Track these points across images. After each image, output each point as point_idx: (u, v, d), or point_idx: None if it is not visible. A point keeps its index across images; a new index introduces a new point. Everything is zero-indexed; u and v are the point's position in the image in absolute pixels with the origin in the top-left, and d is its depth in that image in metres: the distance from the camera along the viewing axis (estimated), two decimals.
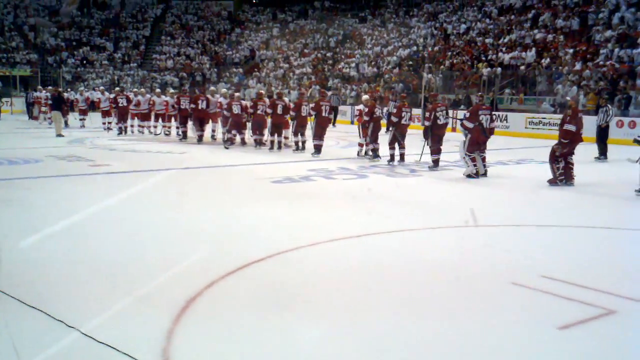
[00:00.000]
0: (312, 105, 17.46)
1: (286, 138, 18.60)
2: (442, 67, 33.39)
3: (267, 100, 19.15)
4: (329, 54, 43.50)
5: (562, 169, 12.23)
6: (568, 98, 22.99)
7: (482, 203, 10.62)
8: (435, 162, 14.58)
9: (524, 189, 12.12)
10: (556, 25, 30.68)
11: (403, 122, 15.29)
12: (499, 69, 29.90)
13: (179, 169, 14.20)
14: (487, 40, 33.34)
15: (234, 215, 9.13)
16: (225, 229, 8.33)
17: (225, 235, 8.03)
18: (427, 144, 14.81)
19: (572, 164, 12.38)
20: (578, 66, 26.90)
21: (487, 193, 11.66)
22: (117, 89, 27.56)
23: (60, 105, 22.89)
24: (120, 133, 23.44)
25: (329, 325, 5.01)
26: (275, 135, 18.23)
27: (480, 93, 17.40)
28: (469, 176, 13.13)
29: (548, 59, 28.78)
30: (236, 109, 18.87)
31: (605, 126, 16.72)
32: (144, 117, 23.51)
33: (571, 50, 28.33)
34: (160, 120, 23.36)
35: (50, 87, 28.79)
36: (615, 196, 11.51)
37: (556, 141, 12.40)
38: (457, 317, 5.23)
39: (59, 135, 21.81)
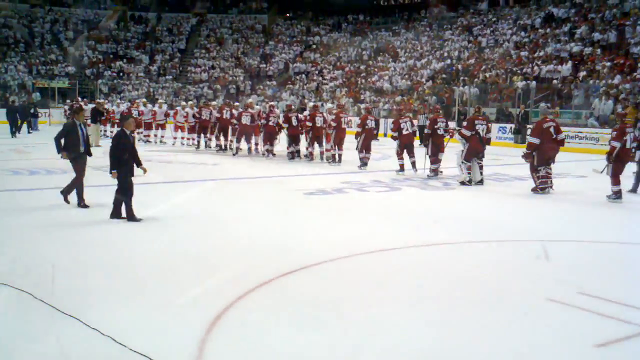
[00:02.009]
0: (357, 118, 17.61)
1: (327, 150, 18.72)
2: (476, 80, 33.17)
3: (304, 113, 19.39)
4: (362, 67, 43.55)
5: (542, 178, 12.69)
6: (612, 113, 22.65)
7: (518, 218, 10.49)
8: (434, 172, 15.18)
9: (561, 204, 11.94)
10: (593, 39, 30.30)
11: (438, 132, 15.28)
12: (533, 82, 29.60)
13: (213, 180, 14.31)
14: (522, 54, 33.06)
15: (266, 227, 9.16)
16: (257, 241, 8.36)
17: (258, 247, 8.05)
18: (427, 153, 15.44)
19: (550, 173, 12.84)
20: (616, 80, 26.50)
21: (523, 208, 11.51)
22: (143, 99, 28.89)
23: (97, 117, 23.35)
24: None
25: (360, 339, 4.98)
26: (316, 145, 18.46)
27: (477, 106, 17.94)
28: (462, 183, 13.75)
29: (584, 72, 28.41)
30: (245, 120, 19.63)
31: None
32: (147, 126, 25.28)
33: (608, 64, 27.93)
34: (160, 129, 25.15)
35: (99, 101, 29.07)
36: None
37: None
38: (493, 333, 5.16)
39: (97, 145, 22.12)
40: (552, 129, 12.79)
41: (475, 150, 13.81)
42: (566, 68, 29.34)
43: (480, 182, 13.89)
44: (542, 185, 12.73)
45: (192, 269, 6.88)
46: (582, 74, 28.48)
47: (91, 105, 27.17)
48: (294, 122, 18.64)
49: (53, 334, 4.94)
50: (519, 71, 31.38)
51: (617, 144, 11.92)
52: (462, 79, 33.78)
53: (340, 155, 17.90)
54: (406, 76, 38.86)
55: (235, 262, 7.22)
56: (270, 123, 19.11)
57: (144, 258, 7.31)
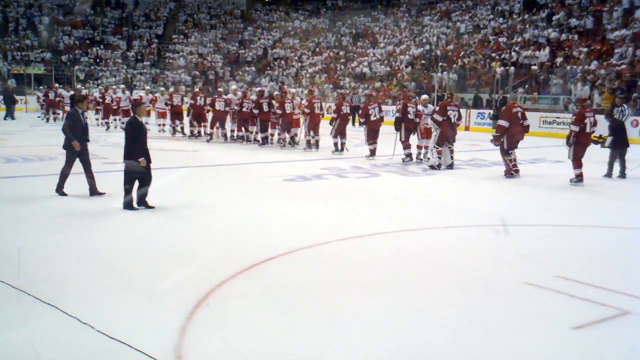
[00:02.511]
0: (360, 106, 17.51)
1: (296, 135, 18.92)
2: (455, 66, 33.26)
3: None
4: (341, 53, 43.45)
5: (513, 161, 13.13)
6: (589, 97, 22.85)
7: (496, 203, 10.57)
8: (409, 156, 15.53)
9: (538, 189, 12.06)
10: (570, 25, 30.49)
11: (409, 117, 15.67)
12: (512, 68, 29.75)
13: (192, 167, 14.24)
14: (500, 40, 33.19)
15: (246, 214, 9.15)
16: (237, 228, 8.35)
17: (238, 233, 8.04)
18: (400, 138, 15.76)
19: (515, 157, 13.32)
20: (592, 65, 26.72)
21: (501, 193, 11.61)
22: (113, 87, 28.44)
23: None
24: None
25: (338, 325, 5.01)
26: (312, 133, 18.30)
27: (450, 92, 18.29)
28: (432, 167, 14.15)
29: (562, 58, 28.61)
30: (219, 106, 19.79)
31: None
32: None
33: (585, 50, 28.15)
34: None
35: (78, 87, 28.66)
36: (628, 196, 11.43)
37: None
38: (471, 316, 5.21)
39: None
40: (519, 114, 13.22)
41: (446, 135, 14.15)
42: (544, 54, 29.51)
43: (451, 166, 14.26)
44: (515, 168, 13.10)
45: (171, 257, 6.85)
46: (559, 60, 28.68)
47: (68, 92, 26.93)
48: (265, 107, 18.69)
49: (31, 322, 4.91)
50: (497, 57, 31.51)
51: (576, 128, 12.32)
52: (440, 65, 33.85)
53: (317, 141, 17.94)
54: (385, 62, 38.86)
55: (215, 249, 7.21)
56: (244, 109, 19.22)
57: (122, 246, 7.27)
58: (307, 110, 17.75)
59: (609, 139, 13.16)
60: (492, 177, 13.32)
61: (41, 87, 32.60)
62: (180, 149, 17.95)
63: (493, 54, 32.09)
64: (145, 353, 4.30)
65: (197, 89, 23.68)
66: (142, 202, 9.14)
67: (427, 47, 37.51)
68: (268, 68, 45.88)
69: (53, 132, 23.45)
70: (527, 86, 28.85)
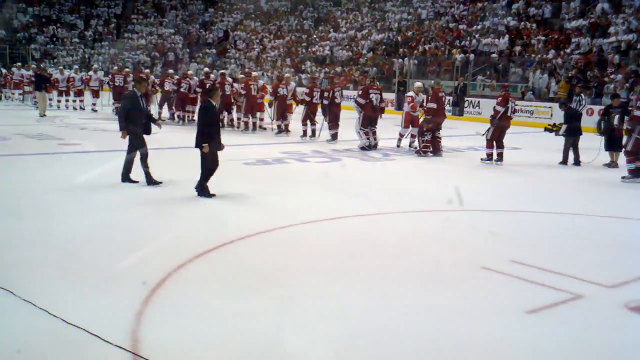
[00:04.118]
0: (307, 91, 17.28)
1: (239, 119, 19.10)
2: (415, 52, 33.42)
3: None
4: (303, 36, 43.27)
5: (426, 142, 14.12)
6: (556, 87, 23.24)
7: (454, 188, 10.68)
8: (334, 136, 16.31)
9: (495, 175, 12.24)
10: (529, 13, 30.87)
11: (335, 101, 16.27)
12: (472, 56, 30.03)
13: (150, 149, 14.00)
14: (460, 27, 33.43)
15: (203, 198, 9.06)
16: (194, 211, 8.28)
17: (195, 217, 7.98)
18: (325, 120, 16.49)
19: (440, 138, 14.43)
20: (550, 54, 27.13)
21: (459, 179, 11.73)
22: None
23: (44, 85, 22.30)
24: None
25: (296, 309, 5.02)
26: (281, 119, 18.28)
27: (372, 76, 18.81)
28: (362, 148, 14.87)
29: (520, 47, 28.97)
30: (167, 86, 20.18)
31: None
32: (62, 93, 25.21)
33: (543, 39, 28.55)
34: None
35: (34, 66, 27.90)
36: (582, 183, 11.67)
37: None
38: (426, 300, 5.27)
39: (43, 115, 21.27)
40: (444, 98, 14.51)
41: (369, 118, 15.01)
42: (503, 42, 29.85)
43: (375, 146, 15.10)
44: (425, 149, 14.17)
45: (127, 240, 6.77)
46: (518, 48, 29.04)
47: (28, 71, 26.18)
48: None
49: None
50: (457, 44, 31.76)
51: (501, 109, 13.16)
52: (401, 51, 33.96)
53: (254, 124, 18.37)
54: (347, 47, 38.83)
55: (171, 233, 7.14)
56: (182, 89, 19.72)
57: (76, 229, 7.15)
58: (243, 92, 18.10)
59: (563, 127, 13.45)
60: (451, 163, 13.48)
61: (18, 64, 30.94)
62: None
63: (454, 41, 32.33)
64: (102, 338, 4.25)
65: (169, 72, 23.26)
66: (202, 191, 8.87)
67: (389, 32, 37.60)
68: (228, 50, 45.43)
69: (10, 112, 22.92)
70: (488, 73, 29.17)
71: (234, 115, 19.22)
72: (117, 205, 8.39)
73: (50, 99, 24.72)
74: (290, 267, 6.06)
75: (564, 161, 13.47)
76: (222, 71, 21.85)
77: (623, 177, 11.67)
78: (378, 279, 5.80)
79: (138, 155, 9.50)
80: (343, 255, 6.52)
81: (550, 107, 23.61)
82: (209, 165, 8.74)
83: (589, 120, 21.40)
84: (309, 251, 6.63)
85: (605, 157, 13.43)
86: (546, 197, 10.39)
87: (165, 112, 20.89)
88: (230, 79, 19.76)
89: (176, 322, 4.65)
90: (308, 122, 16.96)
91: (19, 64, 29.77)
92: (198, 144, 8.67)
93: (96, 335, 4.28)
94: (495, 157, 13.32)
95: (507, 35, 30.11)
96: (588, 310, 5.19)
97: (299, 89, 19.30)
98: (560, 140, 13.77)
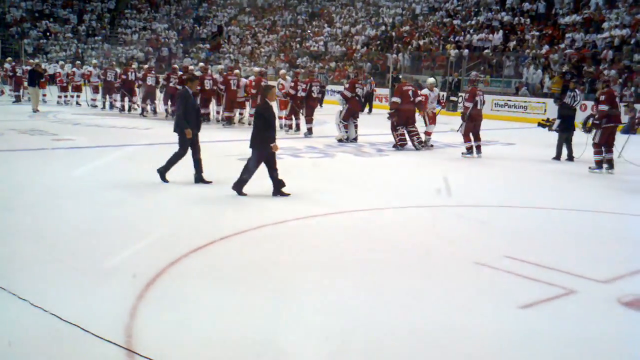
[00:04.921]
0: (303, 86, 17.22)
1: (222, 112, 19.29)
2: (410, 47, 33.40)
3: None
4: (297, 31, 43.20)
5: (400, 135, 14.47)
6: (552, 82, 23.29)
7: (447, 183, 10.69)
8: (309, 130, 16.57)
9: (489, 171, 12.27)
10: (523, 8, 30.89)
11: (312, 95, 16.65)
12: (466, 51, 30.04)
13: (143, 145, 14.02)
14: (454, 22, 33.43)
15: (198, 193, 9.06)
16: (190, 207, 8.27)
17: (190, 212, 7.97)
18: (302, 113, 16.83)
19: (414, 131, 14.63)
20: (544, 50, 27.17)
21: (453, 174, 11.75)
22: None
23: (37, 80, 22.20)
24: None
25: (292, 304, 5.02)
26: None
27: (356, 70, 19.61)
28: (339, 141, 15.24)
29: (514, 42, 29.00)
30: (150, 81, 20.55)
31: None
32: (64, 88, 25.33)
33: (537, 34, 28.58)
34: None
35: (31, 61, 27.69)
36: (575, 178, 11.70)
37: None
38: (419, 295, 5.29)
39: (36, 110, 21.17)
40: (410, 92, 14.53)
41: (353, 111, 15.43)
42: (497, 37, 29.87)
43: (355, 139, 15.36)
44: (401, 142, 14.52)
45: (121, 235, 6.75)
46: (512, 43, 29.06)
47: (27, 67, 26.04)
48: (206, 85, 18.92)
49: None
50: (451, 39, 31.76)
51: (469, 105, 13.53)
52: (396, 46, 33.95)
53: (231, 118, 18.71)
54: (341, 42, 38.79)
55: (166, 227, 7.12)
56: (171, 84, 19.76)
57: (69, 224, 7.13)
58: (222, 87, 18.36)
59: (556, 123, 13.49)
60: (445, 158, 13.51)
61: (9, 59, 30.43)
62: (133, 126, 17.65)
63: (448, 36, 32.33)
64: (96, 334, 4.24)
65: (147, 67, 23.42)
66: (278, 190, 8.80)
67: (383, 28, 37.57)
68: (222, 45, 45.31)
69: (2, 107, 22.82)
70: (482, 68, 29.19)
71: (215, 109, 19.51)
72: (111, 200, 8.36)
73: (44, 95, 24.65)
74: (285, 262, 6.06)
75: (558, 156, 13.51)
76: (201, 64, 22.26)
77: (590, 167, 12.23)
78: (372, 273, 5.81)
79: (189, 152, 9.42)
80: (337, 250, 6.53)
81: (544, 103, 23.67)
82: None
83: (583, 116, 21.48)
84: (303, 246, 6.64)
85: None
86: (539, 192, 10.41)
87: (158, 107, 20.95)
88: (215, 74, 19.84)
89: (171, 317, 4.65)
90: (293, 116, 17.17)
91: (10, 58, 29.53)
92: (252, 145, 8.73)
93: (90, 332, 4.27)
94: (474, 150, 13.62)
95: (501, 31, 30.14)
96: (581, 305, 5.21)
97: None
98: (554, 136, 13.80)
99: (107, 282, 5.30)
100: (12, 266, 5.63)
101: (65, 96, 25.00)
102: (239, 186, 8.75)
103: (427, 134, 15.34)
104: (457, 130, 13.98)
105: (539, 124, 14.61)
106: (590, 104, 22.17)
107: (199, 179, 9.48)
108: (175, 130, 9.39)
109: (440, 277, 5.77)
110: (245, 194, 8.72)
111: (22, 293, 4.89)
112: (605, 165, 12.03)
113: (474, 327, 4.67)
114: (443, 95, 27.00)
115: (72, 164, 10.98)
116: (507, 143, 16.53)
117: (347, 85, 15.87)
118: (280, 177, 8.78)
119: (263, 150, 8.61)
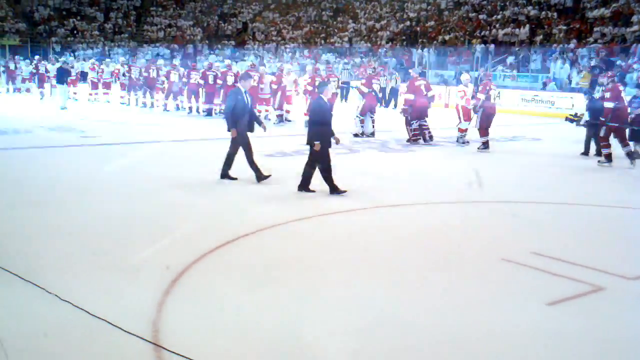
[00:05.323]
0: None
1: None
2: (435, 42, 33.19)
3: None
4: (321, 27, 43.15)
5: (414, 130, 14.40)
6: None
7: (474, 179, 10.62)
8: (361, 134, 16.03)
9: (515, 166, 12.15)
10: (550, 2, 30.51)
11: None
12: (492, 46, 29.78)
13: (169, 141, 14.12)
14: (480, 17, 33.14)
15: (224, 189, 9.10)
16: (215, 203, 8.32)
17: (215, 209, 8.02)
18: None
19: (426, 126, 14.59)
20: (571, 44, 26.83)
21: (482, 170, 11.66)
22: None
23: (65, 78, 22.46)
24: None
25: (317, 299, 5.03)
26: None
27: (373, 66, 20.11)
28: (355, 135, 15.17)
29: (541, 36, 28.67)
30: (173, 78, 20.77)
31: None
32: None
33: (564, 28, 28.23)
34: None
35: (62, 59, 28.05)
36: (603, 174, 11.54)
37: None
38: (447, 291, 5.26)
39: (64, 107, 21.41)
40: (422, 87, 14.64)
41: (370, 106, 15.42)
42: (523, 32, 29.55)
43: (372, 134, 15.33)
44: (415, 137, 14.45)
45: (148, 232, 6.83)
46: (539, 38, 28.74)
47: (54, 65, 26.35)
48: (211, 80, 19.27)
49: (9, 298, 4.86)
50: (477, 34, 31.50)
51: (483, 96, 13.56)
52: (421, 42, 33.76)
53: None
54: (365, 38, 38.67)
55: (191, 224, 7.16)
56: (192, 81, 20.03)
57: (98, 220, 7.22)
58: (220, 82, 18.80)
59: (585, 117, 13.29)
60: (470, 153, 13.39)
61: (37, 57, 30.48)
62: (157, 123, 17.79)
63: (473, 31, 32.07)
64: (123, 329, 4.29)
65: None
66: (333, 190, 8.74)
67: (408, 23, 37.37)
68: (247, 42, 45.43)
69: (32, 104, 23.13)
70: (508, 63, 28.91)
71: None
72: (138, 197, 8.45)
73: (75, 93, 24.92)
74: (310, 259, 6.07)
75: (586, 152, 13.32)
76: (209, 62, 22.89)
77: (599, 161, 12.16)
78: (397, 269, 5.79)
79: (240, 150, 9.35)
80: (363, 246, 6.52)
81: (571, 97, 23.34)
82: (324, 163, 8.68)
83: None
84: (329, 243, 6.64)
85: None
86: (567, 188, 10.29)
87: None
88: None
89: (196, 312, 4.68)
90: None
91: (37, 56, 29.84)
92: (309, 142, 8.67)
93: (117, 326, 4.32)
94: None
95: (527, 25, 29.81)
96: (609, 302, 5.15)
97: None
98: (582, 131, 13.60)
99: (135, 277, 5.36)
100: (42, 262, 5.72)
101: (97, 93, 25.22)
102: (305, 185, 8.77)
103: (461, 130, 14.77)
104: (474, 126, 14.00)
105: (567, 119, 14.42)
106: None
107: (225, 174, 9.45)
108: (228, 130, 9.33)
109: (467, 274, 5.73)
110: (313, 191, 8.74)
111: (51, 288, 4.96)
112: (629, 160, 11.87)
113: (500, 324, 4.64)
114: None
115: (100, 161, 11.10)
116: (534, 138, 16.35)
117: (364, 81, 16.03)
118: (307, 175, 8.77)
119: (324, 145, 8.55)
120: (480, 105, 13.62)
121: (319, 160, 8.64)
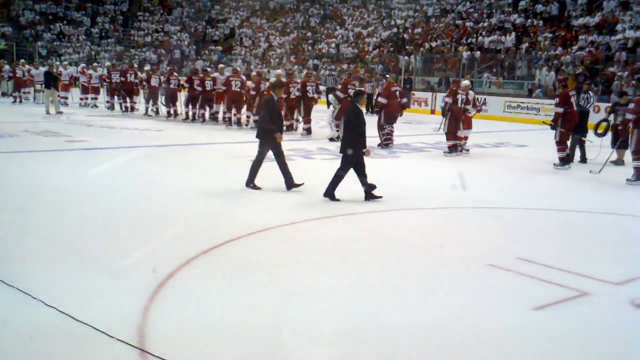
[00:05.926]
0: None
1: (217, 112, 19.68)
2: (422, 49, 33.36)
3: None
4: (309, 34, 43.25)
5: (387, 135, 14.67)
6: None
7: (460, 185, 10.66)
8: (307, 130, 16.94)
9: (501, 172, 12.22)
10: (535, 10, 30.77)
11: (308, 95, 17.02)
12: (478, 53, 29.97)
13: (154, 146, 14.08)
14: (467, 24, 33.36)
15: (208, 194, 9.07)
16: (200, 208, 8.29)
17: (200, 214, 7.99)
18: (300, 114, 17.37)
19: (392, 131, 14.88)
20: (557, 51, 27.05)
21: (466, 176, 11.71)
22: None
23: (52, 82, 22.29)
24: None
25: (301, 304, 5.03)
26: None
27: (348, 71, 19.92)
28: (330, 139, 15.45)
29: (527, 44, 28.89)
30: (154, 82, 20.97)
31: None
32: (65, 88, 25.52)
33: (550, 36, 28.46)
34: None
35: (56, 64, 28.10)
36: (587, 180, 11.63)
37: None
38: (434, 297, 5.27)
39: (58, 112, 21.35)
40: (397, 93, 15.00)
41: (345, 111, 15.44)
42: (509, 39, 29.78)
43: None
44: (387, 141, 14.69)
45: (133, 236, 6.79)
46: (524, 45, 28.96)
47: (38, 70, 26.30)
48: (196, 84, 19.21)
49: None
50: (464, 41, 31.69)
51: (449, 100, 13.83)
52: (408, 48, 33.92)
53: (229, 119, 18.79)
54: (352, 44, 38.80)
55: (177, 228, 7.14)
56: (171, 85, 20.30)
57: (82, 224, 7.18)
58: (223, 87, 18.45)
59: (605, 114, 13.53)
60: (456, 160, 13.44)
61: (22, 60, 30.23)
62: (144, 128, 17.73)
63: (460, 38, 32.26)
64: (108, 334, 4.26)
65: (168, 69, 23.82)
66: (369, 195, 8.77)
67: (395, 30, 37.54)
68: (234, 47, 45.44)
69: (17, 109, 22.98)
70: (494, 70, 29.10)
71: (220, 109, 19.54)
72: (124, 201, 8.41)
73: (66, 97, 24.98)
74: (295, 263, 6.07)
75: (571, 159, 13.41)
76: (195, 67, 23.30)
77: (554, 164, 12.53)
78: (383, 275, 5.80)
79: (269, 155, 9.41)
80: (348, 251, 6.52)
81: None
82: (360, 169, 8.71)
83: (597, 118, 21.37)
84: (314, 247, 6.64)
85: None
86: (552, 194, 10.36)
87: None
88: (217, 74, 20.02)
89: (182, 317, 4.66)
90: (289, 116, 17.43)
91: (23, 60, 29.62)
92: (342, 149, 8.71)
93: (103, 332, 4.29)
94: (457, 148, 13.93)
95: (513, 33, 30.04)
96: (594, 307, 5.18)
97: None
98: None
99: (120, 282, 5.33)
100: (27, 266, 5.67)
101: (86, 98, 25.13)
102: (331, 192, 8.74)
103: (460, 138, 14.59)
104: (439, 129, 14.42)
105: (544, 123, 14.23)
106: (604, 105, 22.08)
107: (290, 184, 9.35)
108: (257, 136, 9.38)
109: (453, 279, 5.75)
110: (338, 200, 8.69)
111: (37, 293, 4.92)
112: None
113: (486, 329, 4.65)
114: (479, 99, 27.01)
115: (86, 165, 11.04)
116: (519, 145, 16.46)
117: (339, 87, 16.13)
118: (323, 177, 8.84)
119: (355, 154, 8.58)
120: (448, 108, 13.83)
121: (355, 165, 8.68)
